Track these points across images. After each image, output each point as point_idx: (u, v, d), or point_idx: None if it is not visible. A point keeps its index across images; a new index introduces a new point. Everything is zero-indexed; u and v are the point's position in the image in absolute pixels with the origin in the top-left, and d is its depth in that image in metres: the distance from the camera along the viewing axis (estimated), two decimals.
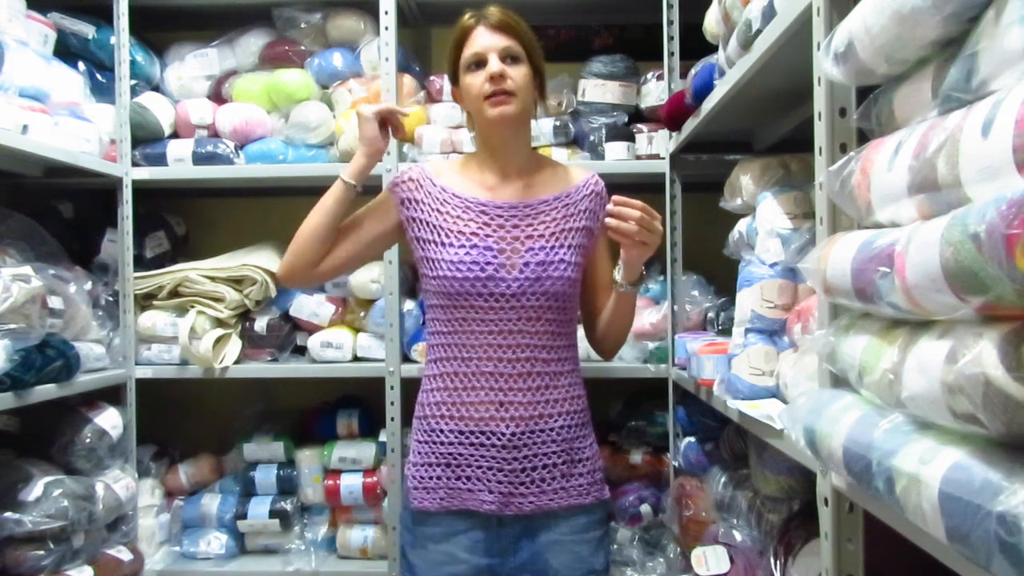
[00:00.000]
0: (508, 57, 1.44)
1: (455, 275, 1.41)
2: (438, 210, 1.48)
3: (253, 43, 2.26)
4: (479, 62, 1.44)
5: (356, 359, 2.17)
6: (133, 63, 2.17)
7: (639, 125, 2.16)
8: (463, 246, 1.43)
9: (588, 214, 1.51)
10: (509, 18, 1.46)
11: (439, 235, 1.46)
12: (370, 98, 2.16)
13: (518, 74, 1.44)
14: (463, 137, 2.13)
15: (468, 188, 1.50)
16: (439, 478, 1.44)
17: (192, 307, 2.12)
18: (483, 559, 1.43)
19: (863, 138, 0.88)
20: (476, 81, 1.43)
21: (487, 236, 1.44)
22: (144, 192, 2.19)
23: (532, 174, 1.53)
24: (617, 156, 2.11)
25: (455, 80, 1.51)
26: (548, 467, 1.44)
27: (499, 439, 1.42)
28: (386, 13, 2.06)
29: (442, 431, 1.45)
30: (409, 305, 2.15)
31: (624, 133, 2.14)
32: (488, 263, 1.42)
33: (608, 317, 1.54)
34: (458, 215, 1.47)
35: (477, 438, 1.43)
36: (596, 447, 1.53)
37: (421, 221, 1.49)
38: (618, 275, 1.49)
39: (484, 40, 1.44)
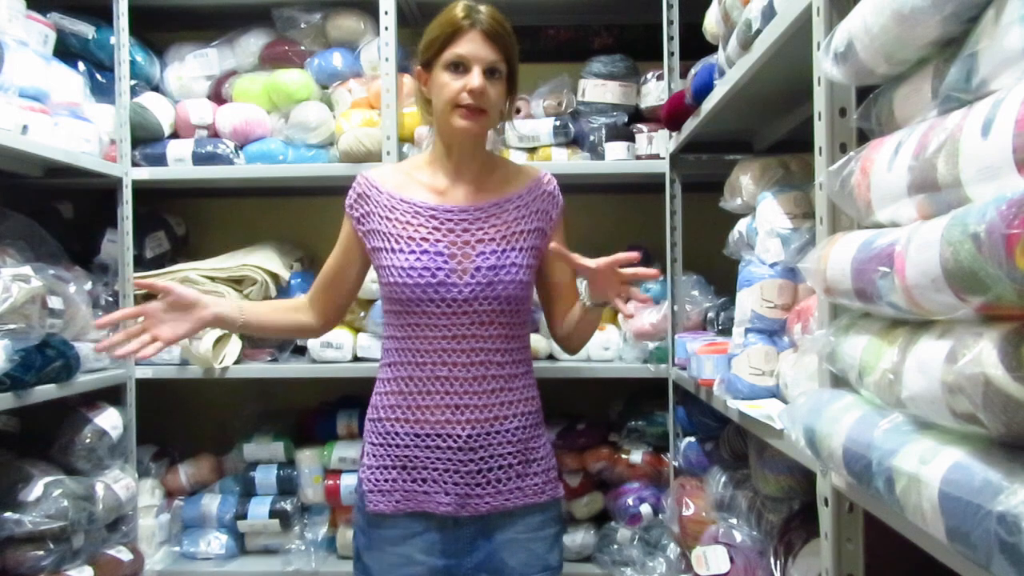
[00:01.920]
0: (489, 71, 1.40)
1: (406, 281, 1.40)
2: (387, 217, 1.46)
3: (253, 43, 2.26)
4: (462, 65, 1.40)
5: (356, 359, 2.17)
6: (133, 63, 2.17)
7: (639, 125, 2.16)
8: (413, 252, 1.41)
9: (540, 215, 1.50)
10: (501, 27, 1.41)
11: (389, 242, 1.44)
12: (370, 98, 2.16)
13: (495, 92, 1.41)
14: None
15: (417, 192, 1.48)
16: (395, 480, 1.44)
17: None
18: (440, 560, 1.43)
19: (863, 138, 0.88)
20: (453, 84, 1.39)
21: (437, 241, 1.42)
22: (144, 192, 2.19)
23: (484, 176, 1.51)
24: (617, 156, 2.11)
25: (426, 64, 1.45)
26: (504, 468, 1.44)
27: (455, 441, 1.42)
28: (386, 13, 2.06)
29: (397, 434, 1.45)
30: None
31: (624, 133, 2.14)
32: (439, 268, 1.40)
33: (574, 324, 1.53)
34: (407, 220, 1.45)
35: (433, 440, 1.42)
36: (549, 446, 1.54)
37: (373, 231, 1.47)
38: (585, 297, 1.47)
39: (473, 47, 1.39)
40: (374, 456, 1.47)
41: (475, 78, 1.38)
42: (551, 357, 2.14)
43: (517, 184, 1.52)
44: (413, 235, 1.43)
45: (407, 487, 1.44)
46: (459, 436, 1.42)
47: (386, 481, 1.45)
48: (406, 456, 1.44)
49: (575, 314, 1.51)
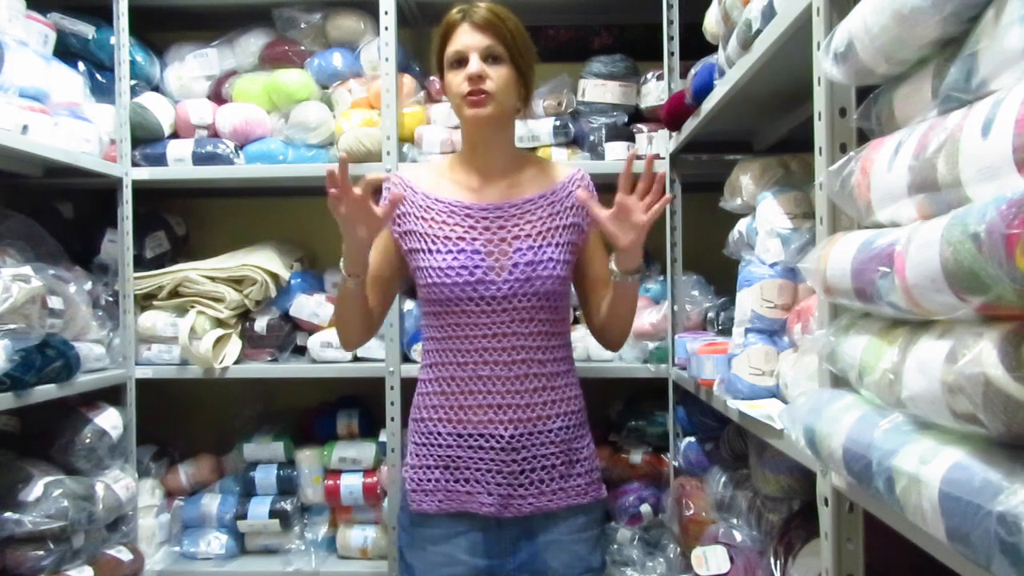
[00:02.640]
0: (489, 57, 1.42)
1: (444, 281, 1.40)
2: (422, 217, 1.46)
3: (253, 43, 2.26)
4: (461, 60, 1.43)
5: (356, 359, 2.17)
6: (133, 63, 2.17)
7: (639, 125, 2.16)
8: (450, 251, 1.42)
9: (575, 210, 1.50)
10: (494, 16, 1.43)
11: (426, 242, 1.44)
12: (370, 98, 2.16)
13: (498, 75, 1.42)
14: None
15: (451, 191, 1.48)
16: (437, 480, 1.44)
17: (192, 307, 2.12)
18: (482, 560, 1.43)
19: (863, 138, 0.88)
20: (456, 79, 1.43)
21: (474, 239, 1.43)
22: (144, 192, 2.19)
23: (516, 173, 1.51)
24: (617, 156, 2.11)
25: (441, 74, 1.49)
26: (547, 468, 1.44)
27: (498, 442, 1.41)
28: (386, 13, 2.06)
29: (439, 434, 1.45)
30: (409, 305, 2.15)
31: (624, 133, 2.14)
32: (477, 266, 1.41)
33: (607, 309, 1.51)
34: (443, 220, 1.45)
35: (476, 440, 1.42)
36: (593, 447, 1.53)
37: (410, 232, 1.47)
38: (614, 264, 1.46)
39: (466, 38, 1.42)
40: (417, 456, 1.48)
41: (472, 64, 1.41)
42: None
43: (550, 180, 1.53)
44: (449, 234, 1.44)
45: (450, 487, 1.44)
46: (501, 436, 1.41)
47: (429, 481, 1.45)
48: (448, 456, 1.44)
49: (609, 296, 1.49)
